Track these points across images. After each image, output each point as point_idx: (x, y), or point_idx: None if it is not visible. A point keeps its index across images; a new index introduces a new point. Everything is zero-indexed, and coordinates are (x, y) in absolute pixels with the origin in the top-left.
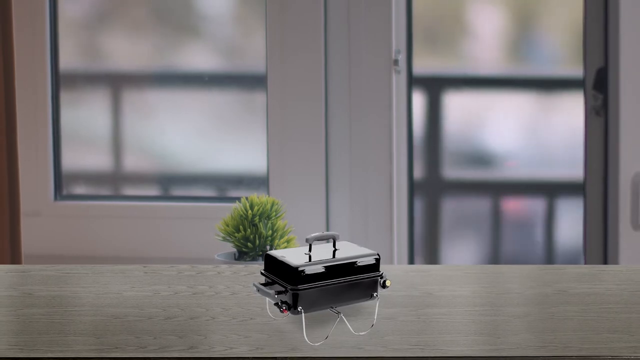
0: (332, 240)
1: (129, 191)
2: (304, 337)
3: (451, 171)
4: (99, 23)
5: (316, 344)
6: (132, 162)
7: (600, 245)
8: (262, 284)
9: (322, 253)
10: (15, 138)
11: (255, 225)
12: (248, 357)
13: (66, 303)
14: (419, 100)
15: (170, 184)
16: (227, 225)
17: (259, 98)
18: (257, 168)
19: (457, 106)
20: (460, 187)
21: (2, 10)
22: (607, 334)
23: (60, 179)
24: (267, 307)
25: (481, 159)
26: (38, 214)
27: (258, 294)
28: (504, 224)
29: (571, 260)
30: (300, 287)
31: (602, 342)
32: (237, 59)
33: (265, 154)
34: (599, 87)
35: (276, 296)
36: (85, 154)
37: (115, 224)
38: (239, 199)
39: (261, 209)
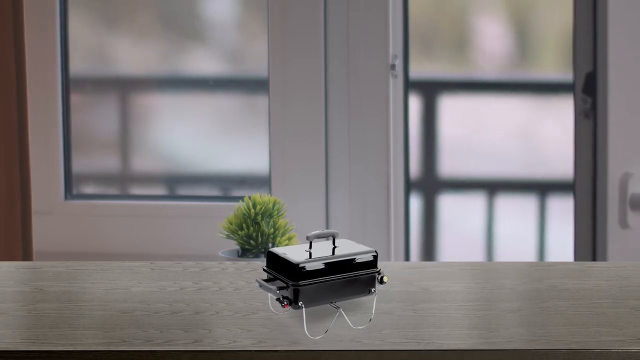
0: (331, 238)
1: (137, 191)
2: (304, 331)
3: (446, 170)
4: (108, 29)
5: (316, 338)
6: (140, 163)
7: (590, 242)
8: (264, 280)
9: (322, 250)
10: (27, 140)
11: (257, 223)
12: (251, 350)
13: (76, 298)
14: (415, 103)
15: (176, 183)
16: (231, 224)
17: (261, 101)
18: (260, 168)
19: (451, 109)
20: (454, 185)
21: (15, 17)
22: (596, 328)
23: (70, 179)
24: (269, 302)
25: (475, 158)
26: (49, 212)
27: (260, 290)
28: (498, 221)
29: (561, 257)
30: (301, 282)
31: (592, 336)
32: (240, 64)
33: (267, 154)
34: (588, 90)
35: (278, 292)
36: (94, 155)
37: (123, 223)
38: (242, 198)
39: (263, 207)
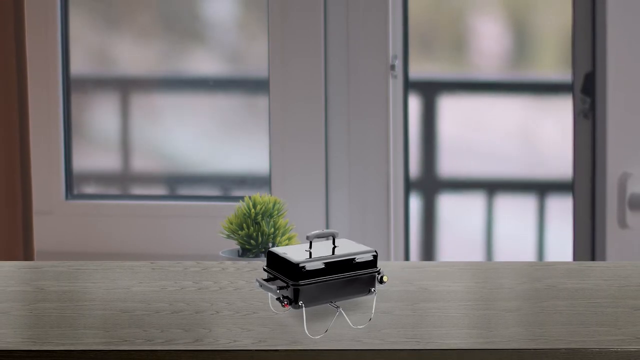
0: (331, 238)
1: (137, 191)
2: (304, 330)
3: (445, 170)
4: (108, 30)
5: (316, 337)
6: (140, 163)
7: (589, 242)
8: (264, 280)
9: (322, 250)
10: (28, 140)
11: (258, 223)
12: (251, 350)
13: (77, 298)
14: (414, 103)
15: (177, 183)
16: (231, 224)
17: (261, 101)
18: (260, 168)
19: (451, 109)
20: (454, 185)
21: (16, 18)
22: (595, 328)
23: (71, 179)
24: (270, 302)
25: (474, 158)
26: (50, 212)
27: (261, 289)
28: (497, 221)
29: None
30: (301, 282)
31: (590, 335)
32: (240, 64)
33: (267, 154)
34: (587, 91)
35: (278, 291)
36: (95, 155)
37: (124, 222)
38: (242, 198)
39: (264, 207)
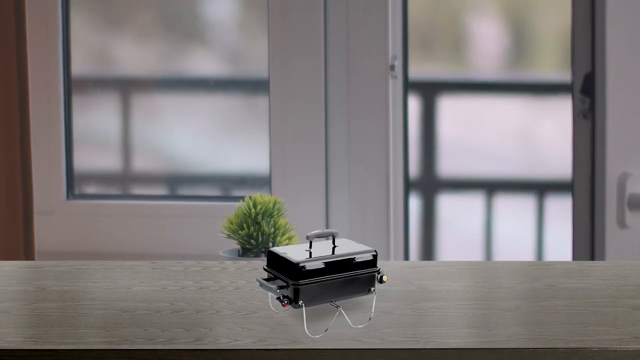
0: (331, 238)
1: (138, 191)
2: (304, 330)
3: (445, 170)
4: (109, 30)
5: (316, 337)
6: (141, 163)
7: (588, 242)
8: (264, 279)
9: (322, 250)
10: (29, 140)
11: (258, 223)
12: (251, 349)
13: (78, 297)
14: (414, 104)
15: (177, 183)
16: (232, 223)
17: (261, 101)
18: (260, 168)
19: (451, 109)
20: (453, 185)
21: (17, 18)
22: (594, 327)
23: (72, 179)
24: (270, 302)
25: (474, 158)
26: (51, 212)
27: (261, 289)
28: (496, 221)
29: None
30: (301, 282)
31: (589, 335)
32: (241, 64)
33: (267, 155)
34: (586, 91)
35: (278, 291)
36: (96, 155)
37: (124, 222)
38: (242, 198)
39: (264, 207)
